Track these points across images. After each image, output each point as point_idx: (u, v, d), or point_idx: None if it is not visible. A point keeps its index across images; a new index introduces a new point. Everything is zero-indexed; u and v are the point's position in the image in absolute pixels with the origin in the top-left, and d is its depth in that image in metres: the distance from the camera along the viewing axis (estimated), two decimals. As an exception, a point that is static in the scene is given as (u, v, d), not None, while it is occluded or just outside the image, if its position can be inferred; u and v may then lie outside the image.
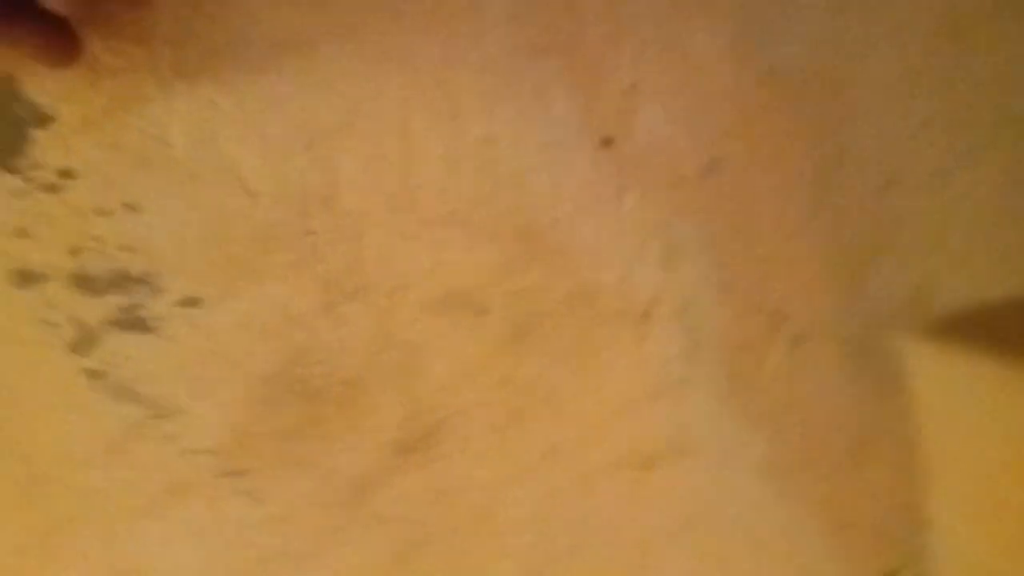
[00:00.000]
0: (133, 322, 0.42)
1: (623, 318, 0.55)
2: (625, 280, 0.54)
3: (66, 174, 0.40)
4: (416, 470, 0.50)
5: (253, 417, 0.45)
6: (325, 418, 0.47)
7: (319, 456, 0.47)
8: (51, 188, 0.40)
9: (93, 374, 0.42)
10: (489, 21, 0.48)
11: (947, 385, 0.66)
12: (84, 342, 0.41)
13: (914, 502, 0.67)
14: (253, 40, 0.41)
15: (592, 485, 0.55)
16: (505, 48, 0.49)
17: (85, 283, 0.41)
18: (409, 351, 0.48)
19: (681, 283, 0.56)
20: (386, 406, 0.48)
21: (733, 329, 0.58)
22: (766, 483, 0.61)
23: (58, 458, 0.42)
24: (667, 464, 0.57)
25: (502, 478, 0.52)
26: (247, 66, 0.41)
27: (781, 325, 0.60)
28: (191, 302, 0.43)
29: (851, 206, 0.62)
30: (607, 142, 0.53)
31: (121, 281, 0.41)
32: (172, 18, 0.39)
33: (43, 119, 0.39)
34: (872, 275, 0.63)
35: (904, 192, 0.64)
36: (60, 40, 0.35)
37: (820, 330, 0.62)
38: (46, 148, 0.39)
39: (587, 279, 0.53)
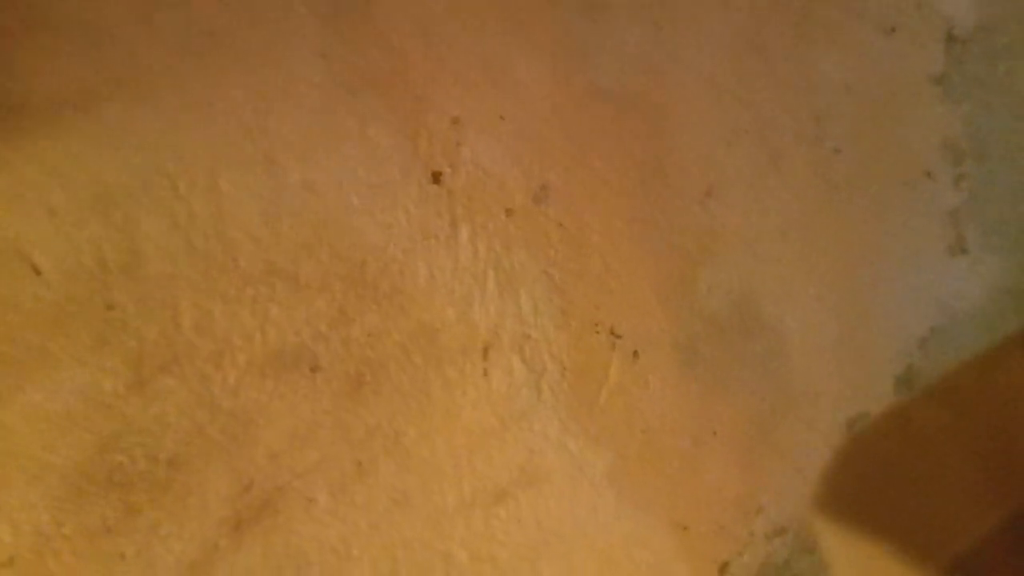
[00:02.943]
0: None
1: (465, 354, 0.54)
2: (464, 315, 0.53)
3: None
4: (255, 543, 0.46)
5: (59, 517, 0.40)
6: (145, 505, 0.42)
7: (141, 547, 0.43)
8: None
9: None
10: (297, 60, 0.44)
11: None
12: None
13: (743, 494, 0.71)
14: (27, 101, 0.35)
15: (445, 528, 0.54)
16: (318, 88, 0.45)
17: None
18: (237, 420, 0.45)
19: (520, 312, 0.56)
20: (215, 482, 0.44)
21: (573, 352, 0.59)
22: (612, 497, 0.63)
23: None
24: (519, 495, 0.57)
25: (352, 535, 0.50)
26: (22, 130, 0.35)
27: (617, 342, 0.61)
28: (-30, 402, 0.37)
29: (674, 218, 0.64)
30: (436, 177, 0.51)
31: None
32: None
33: None
34: (697, 283, 0.66)
35: (721, 200, 0.67)
36: None
37: (654, 342, 0.63)
38: None
39: (426, 319, 0.52)
